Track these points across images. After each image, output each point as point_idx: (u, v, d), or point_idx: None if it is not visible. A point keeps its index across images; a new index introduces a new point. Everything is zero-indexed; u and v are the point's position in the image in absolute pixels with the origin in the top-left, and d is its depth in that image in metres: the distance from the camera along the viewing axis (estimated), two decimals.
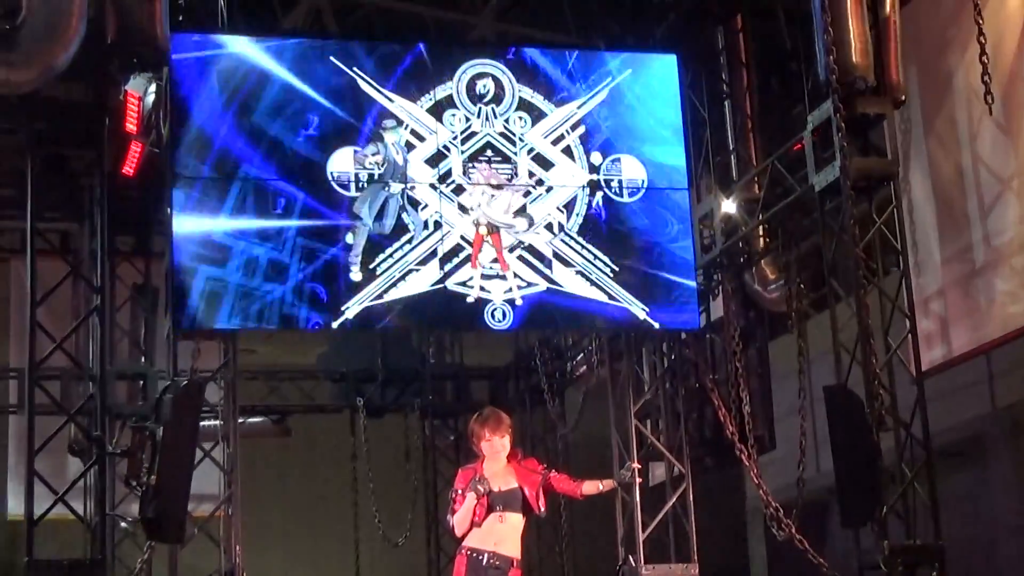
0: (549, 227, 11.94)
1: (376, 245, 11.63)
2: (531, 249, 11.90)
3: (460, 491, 10.20)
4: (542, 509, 10.20)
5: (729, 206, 12.31)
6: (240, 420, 14.86)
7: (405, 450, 15.55)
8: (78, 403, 11.17)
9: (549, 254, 11.88)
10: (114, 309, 12.11)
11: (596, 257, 11.94)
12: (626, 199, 12.10)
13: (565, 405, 14.95)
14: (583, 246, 11.97)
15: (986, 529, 16.42)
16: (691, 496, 11.87)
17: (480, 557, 9.96)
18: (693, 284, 11.66)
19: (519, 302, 11.70)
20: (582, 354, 14.50)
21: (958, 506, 17.22)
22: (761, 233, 12.23)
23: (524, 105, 12.16)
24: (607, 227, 12.06)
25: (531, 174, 12.05)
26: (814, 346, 12.26)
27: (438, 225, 11.73)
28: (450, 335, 15.80)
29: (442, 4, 13.78)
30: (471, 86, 12.13)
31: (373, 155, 11.77)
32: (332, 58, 11.85)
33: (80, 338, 11.04)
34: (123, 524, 9.80)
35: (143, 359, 12.27)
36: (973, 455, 16.58)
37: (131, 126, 11.33)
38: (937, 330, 11.87)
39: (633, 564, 11.20)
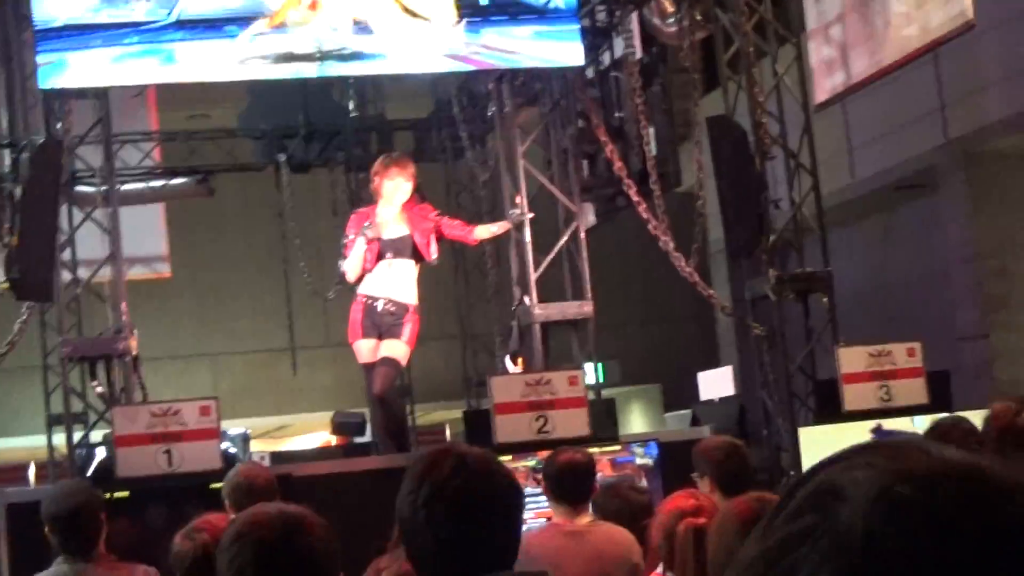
0: None
1: None
2: None
3: (352, 236, 10.39)
4: (434, 256, 10.42)
5: None
6: (162, 183, 15.38)
7: (332, 204, 15.65)
8: None
9: None
10: None
11: None
12: None
13: (486, 151, 14.95)
14: None
15: (938, 260, 16.64)
16: (582, 235, 11.92)
17: (375, 303, 10.22)
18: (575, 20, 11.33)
19: None
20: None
21: (911, 238, 17.47)
22: None
23: None
24: None
25: None
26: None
27: None
28: (372, 87, 15.76)
29: None
30: None
31: None
32: None
33: None
34: None
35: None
36: (926, 187, 16.77)
37: None
38: (837, 56, 11.84)
39: (528, 303, 11.32)
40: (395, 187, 10.35)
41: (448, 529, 2.78)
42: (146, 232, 15.22)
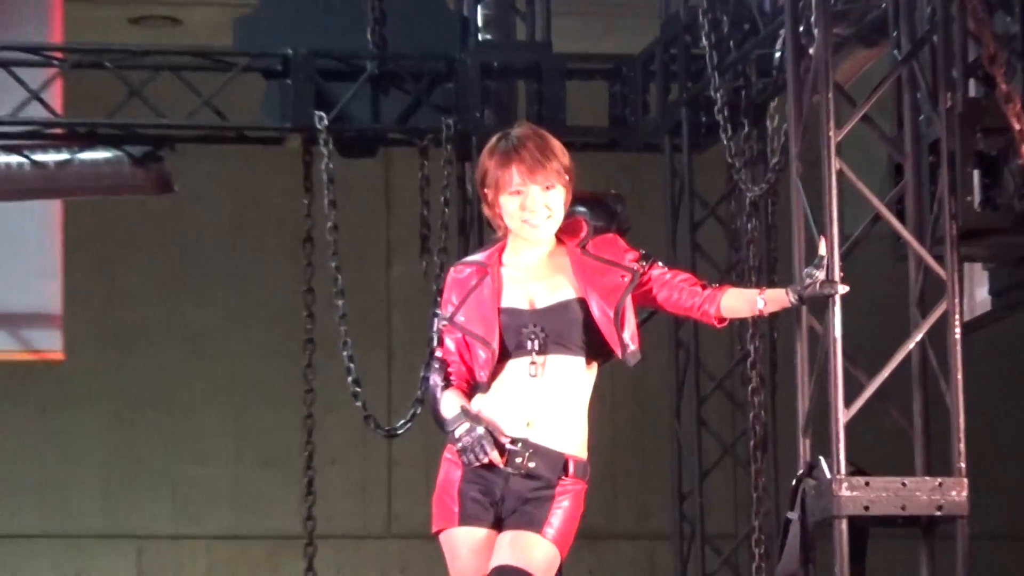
0: None
1: None
2: None
3: (443, 320, 8.29)
4: (631, 348, 8.18)
5: None
6: (65, 158, 14.34)
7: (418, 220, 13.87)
8: None
9: None
10: None
11: None
12: None
13: (764, 134, 13.13)
14: None
15: None
16: (957, 330, 10.59)
17: (492, 452, 8.10)
18: None
19: None
20: None
21: None
22: None
23: None
24: None
25: None
26: None
27: None
28: None
29: None
30: None
31: None
32: None
33: None
34: None
35: None
36: None
37: None
38: None
39: (826, 472, 10.05)
40: (524, 204, 8.00)
41: None
42: (22, 260, 14.94)
